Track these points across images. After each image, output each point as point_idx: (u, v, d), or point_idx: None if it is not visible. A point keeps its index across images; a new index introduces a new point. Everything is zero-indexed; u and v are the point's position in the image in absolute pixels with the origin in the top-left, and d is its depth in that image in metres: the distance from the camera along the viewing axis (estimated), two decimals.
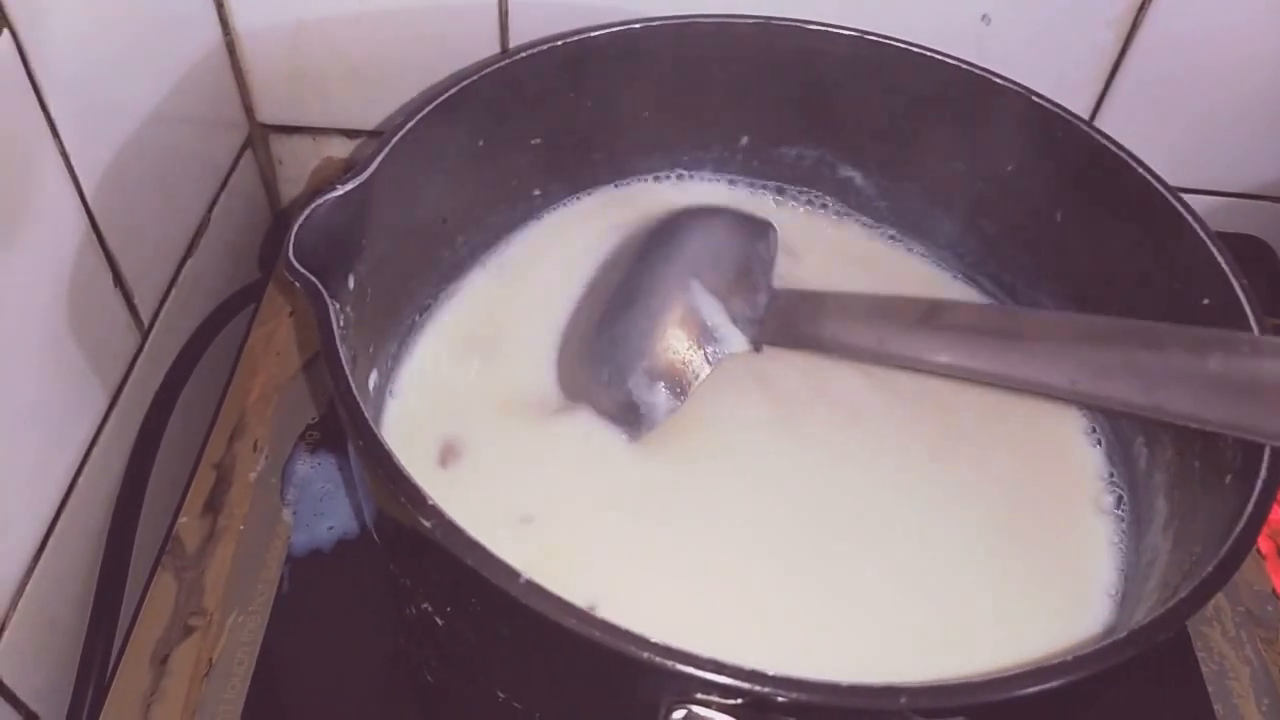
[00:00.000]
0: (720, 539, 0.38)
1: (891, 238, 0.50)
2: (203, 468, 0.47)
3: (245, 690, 0.40)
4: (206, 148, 0.56)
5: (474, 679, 0.33)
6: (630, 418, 0.41)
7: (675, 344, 0.41)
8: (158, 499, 0.48)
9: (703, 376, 0.41)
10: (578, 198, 0.50)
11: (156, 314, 0.50)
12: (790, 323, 0.42)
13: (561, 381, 0.43)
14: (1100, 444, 0.43)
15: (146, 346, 0.49)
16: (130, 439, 0.48)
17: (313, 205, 0.35)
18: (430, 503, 0.28)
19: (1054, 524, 0.41)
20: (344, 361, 0.32)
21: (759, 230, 0.44)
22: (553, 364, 0.44)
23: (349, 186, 0.36)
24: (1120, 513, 0.41)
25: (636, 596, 0.36)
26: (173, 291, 0.51)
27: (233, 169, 0.58)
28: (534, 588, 0.27)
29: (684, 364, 0.41)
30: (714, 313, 0.41)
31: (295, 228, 0.35)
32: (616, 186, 0.50)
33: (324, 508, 0.45)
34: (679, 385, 0.41)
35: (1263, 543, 0.47)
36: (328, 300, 0.33)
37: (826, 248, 0.49)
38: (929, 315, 0.38)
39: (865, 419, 0.42)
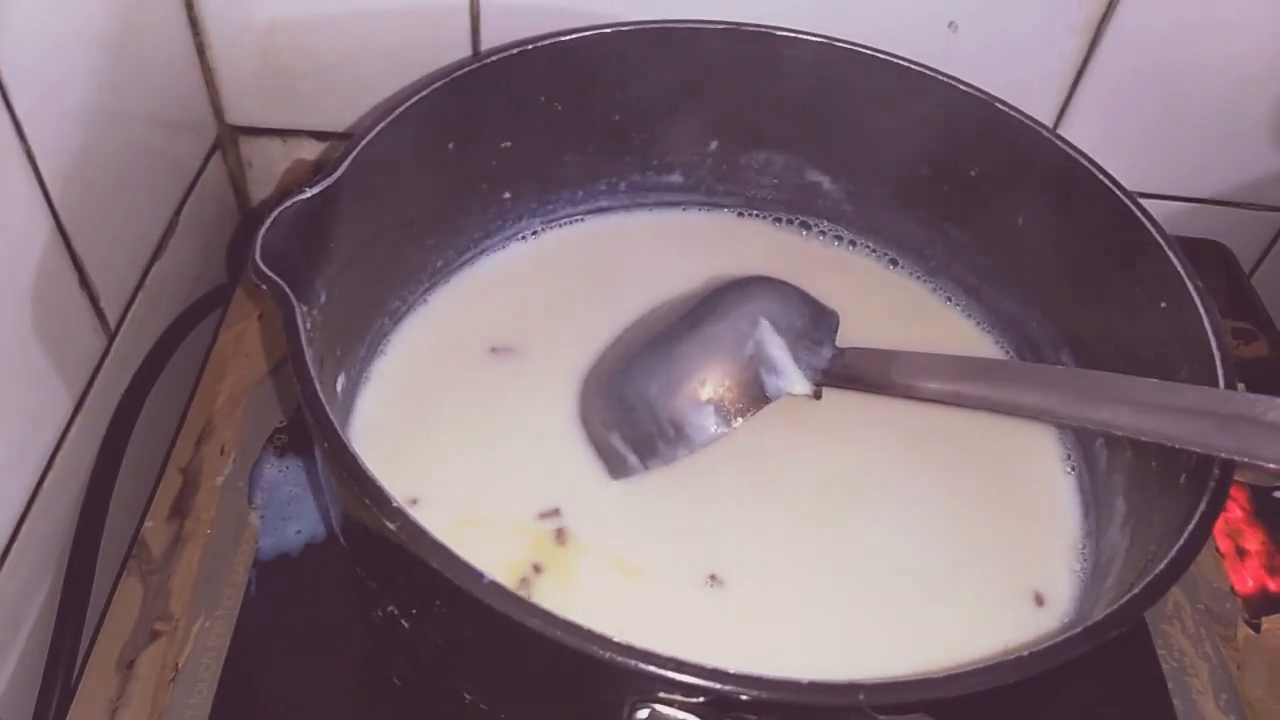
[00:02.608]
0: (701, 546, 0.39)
1: (852, 243, 0.51)
2: (169, 471, 0.46)
3: (212, 696, 0.39)
4: (175, 149, 0.56)
5: (441, 681, 0.33)
6: (655, 443, 0.40)
7: (738, 370, 0.40)
8: (123, 503, 0.47)
9: (755, 411, 0.40)
10: (560, 224, 0.50)
11: (123, 316, 0.50)
12: (856, 374, 0.41)
13: (585, 397, 0.43)
14: (1069, 459, 0.44)
15: (113, 349, 0.49)
16: (96, 442, 0.47)
17: (279, 209, 0.35)
18: (394, 505, 0.28)
19: (1019, 523, 0.42)
20: (310, 364, 0.32)
21: (823, 307, 0.44)
22: (528, 374, 0.44)
23: (316, 190, 0.36)
24: (1082, 511, 0.42)
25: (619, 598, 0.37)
26: (140, 294, 0.51)
27: (201, 170, 0.58)
28: (497, 589, 0.27)
29: (742, 392, 0.40)
30: (780, 350, 0.41)
31: (262, 231, 0.35)
32: (596, 215, 0.51)
33: (291, 511, 0.45)
34: (729, 412, 0.40)
35: (1221, 541, 0.48)
36: (294, 303, 0.33)
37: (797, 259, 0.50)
38: (996, 371, 0.41)
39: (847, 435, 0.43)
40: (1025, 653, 0.27)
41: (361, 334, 0.43)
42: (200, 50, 0.56)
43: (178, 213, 0.55)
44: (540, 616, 0.26)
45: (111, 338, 0.49)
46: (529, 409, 0.44)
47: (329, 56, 0.56)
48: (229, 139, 0.60)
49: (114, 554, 0.46)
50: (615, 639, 0.26)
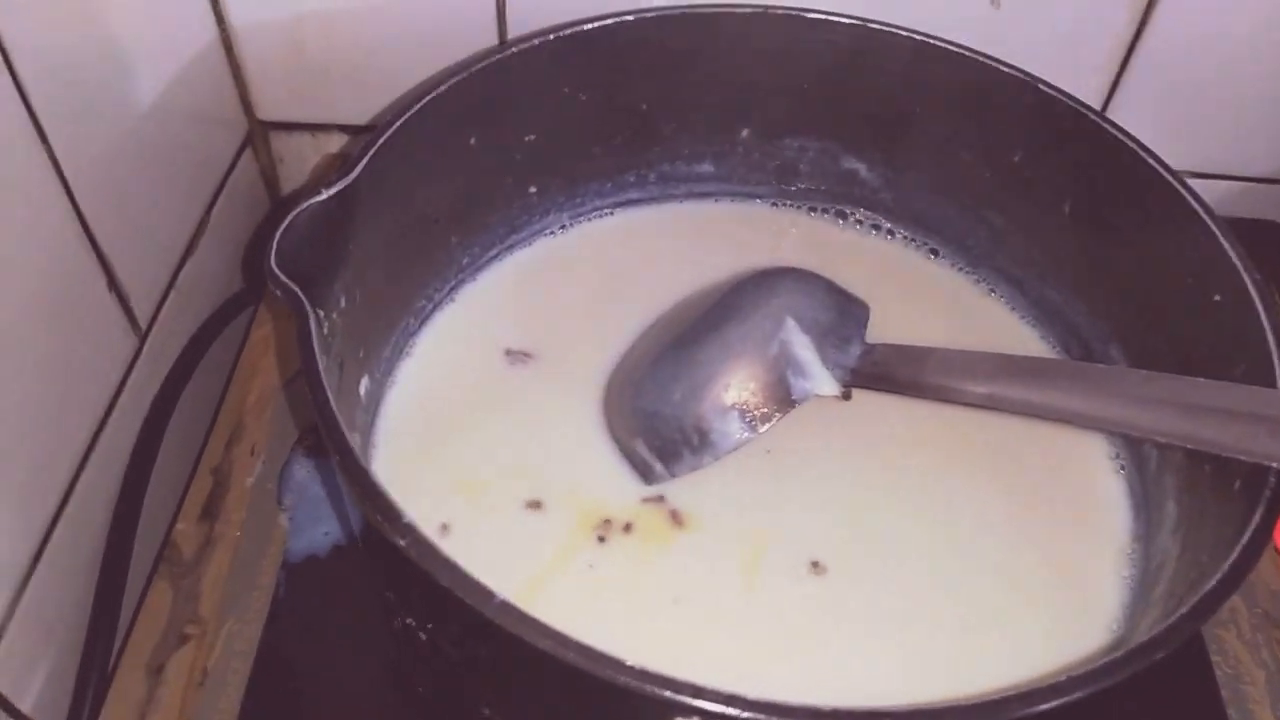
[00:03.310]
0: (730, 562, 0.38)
1: (890, 233, 0.49)
2: (200, 473, 0.46)
3: (240, 699, 0.40)
4: (204, 146, 0.56)
5: (459, 695, 0.33)
6: (681, 450, 0.39)
7: (763, 373, 0.39)
8: (154, 505, 0.47)
9: (783, 415, 0.39)
10: (589, 218, 0.49)
11: (154, 317, 0.50)
12: (888, 374, 0.40)
13: (608, 402, 0.42)
14: (1119, 457, 0.42)
15: (144, 350, 0.49)
16: (128, 445, 0.47)
17: (295, 211, 0.35)
18: (405, 520, 0.27)
19: (1066, 526, 0.40)
20: (323, 374, 0.31)
21: (852, 298, 0.43)
22: (556, 377, 0.44)
23: (332, 191, 0.36)
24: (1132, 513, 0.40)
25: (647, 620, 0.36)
26: (171, 294, 0.51)
27: (232, 168, 0.58)
28: (508, 608, 0.26)
29: (768, 396, 0.39)
30: (807, 350, 0.39)
31: (277, 235, 0.34)
32: (625, 208, 0.50)
33: (321, 513, 0.45)
34: (755, 417, 0.39)
35: (1279, 540, 0.46)
36: (309, 310, 0.33)
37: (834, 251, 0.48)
38: (1037, 370, 0.38)
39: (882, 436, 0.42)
40: (1064, 677, 0.26)
41: (386, 335, 0.43)
42: (227, 45, 0.56)
43: (209, 211, 0.55)
44: (553, 638, 0.25)
45: (143, 339, 0.49)
46: (552, 410, 0.43)
47: (355, 49, 0.56)
48: (260, 135, 0.60)
49: (145, 556, 0.46)
50: (628, 663, 0.25)
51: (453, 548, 0.27)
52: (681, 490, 0.40)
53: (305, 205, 0.35)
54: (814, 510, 0.40)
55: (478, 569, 0.26)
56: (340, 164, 0.59)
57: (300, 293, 0.33)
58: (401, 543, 0.27)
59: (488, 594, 0.26)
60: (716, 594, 0.37)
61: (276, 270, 0.33)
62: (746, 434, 0.38)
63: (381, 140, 0.38)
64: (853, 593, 0.37)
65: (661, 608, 0.37)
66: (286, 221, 0.34)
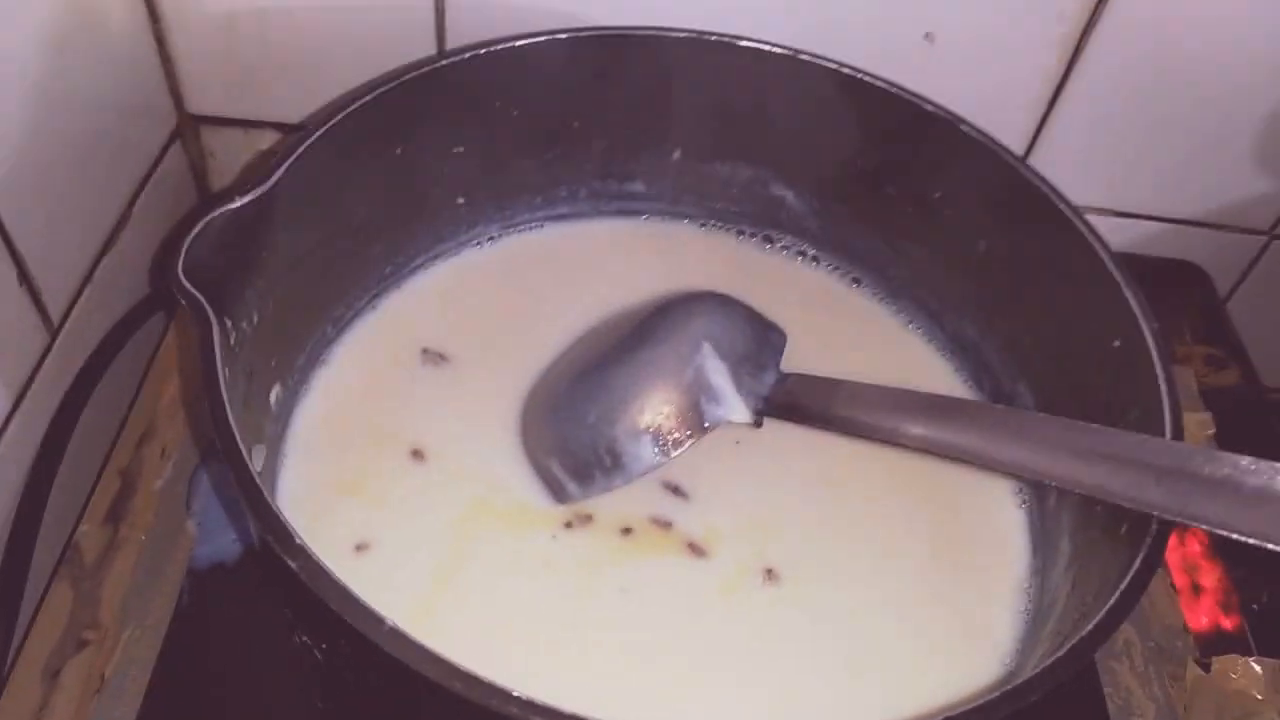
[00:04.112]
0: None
1: (815, 260, 0.50)
2: (108, 473, 0.46)
3: (137, 708, 0.39)
4: (130, 138, 0.54)
5: (355, 713, 0.33)
6: (593, 472, 0.39)
7: (677, 397, 0.39)
8: (59, 505, 0.46)
9: (695, 440, 0.39)
10: (519, 230, 0.49)
11: (68, 313, 0.49)
12: (799, 403, 0.40)
13: (525, 419, 0.42)
14: (1021, 491, 0.43)
15: (55, 346, 0.48)
16: (34, 443, 0.46)
17: (207, 218, 0.34)
18: (297, 542, 0.27)
19: (967, 557, 0.41)
20: (224, 388, 0.31)
21: (770, 325, 0.43)
22: (472, 383, 0.43)
23: (247, 199, 0.35)
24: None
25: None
26: (87, 289, 0.50)
27: (159, 160, 0.57)
28: (398, 635, 0.26)
29: (681, 421, 0.39)
30: (721, 376, 0.40)
31: (186, 242, 0.34)
32: (555, 222, 0.50)
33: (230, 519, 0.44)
34: (667, 441, 0.39)
35: (1177, 576, 0.47)
36: (214, 320, 0.32)
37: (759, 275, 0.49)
38: (939, 409, 0.38)
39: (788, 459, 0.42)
40: (955, 712, 0.26)
41: (301, 343, 0.42)
42: (159, 37, 0.54)
43: (131, 204, 0.54)
44: (439, 666, 0.25)
45: (54, 334, 0.48)
46: (471, 422, 0.43)
47: (291, 48, 0.55)
48: (189, 128, 0.59)
49: (47, 558, 0.45)
50: (515, 693, 0.25)
51: (362, 561, 0.26)
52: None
53: (218, 212, 0.34)
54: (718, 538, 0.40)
55: (386, 581, 0.26)
56: (260, 168, 0.58)
57: (206, 303, 0.32)
58: (293, 564, 0.27)
59: (378, 620, 0.26)
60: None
61: (183, 279, 0.33)
62: (659, 458, 0.39)
63: (302, 148, 0.37)
64: (743, 625, 0.38)
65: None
66: (197, 228, 0.34)
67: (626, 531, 0.39)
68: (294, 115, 0.59)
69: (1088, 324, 0.39)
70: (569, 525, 0.39)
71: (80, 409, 0.48)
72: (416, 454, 0.42)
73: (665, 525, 0.40)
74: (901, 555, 0.40)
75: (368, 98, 0.40)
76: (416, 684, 0.26)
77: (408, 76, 0.41)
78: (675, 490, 0.41)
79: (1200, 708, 0.42)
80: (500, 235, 0.50)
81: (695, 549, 0.39)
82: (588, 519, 0.40)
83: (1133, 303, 0.37)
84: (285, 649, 0.41)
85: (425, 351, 0.45)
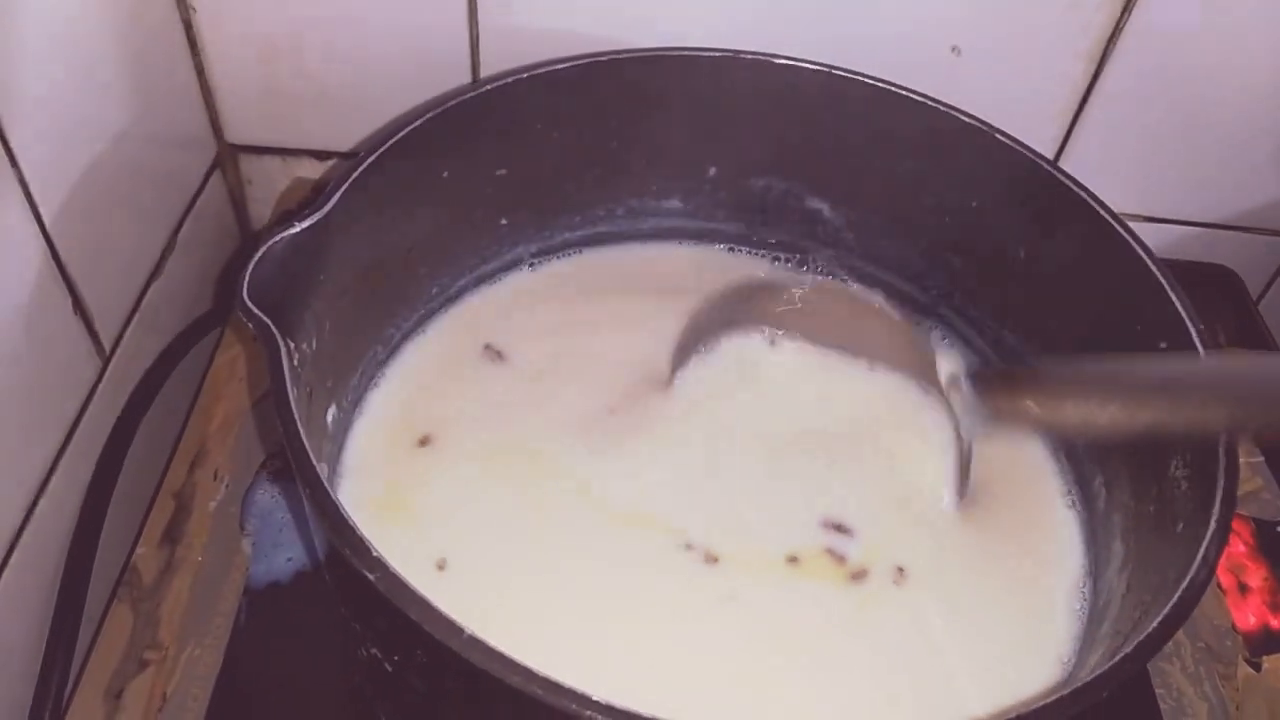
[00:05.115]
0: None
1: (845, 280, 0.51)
2: (162, 496, 0.46)
3: None
4: (173, 168, 0.56)
5: None
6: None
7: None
8: (115, 528, 0.47)
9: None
10: (557, 257, 0.50)
11: (119, 339, 0.50)
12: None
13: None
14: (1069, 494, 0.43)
15: (108, 372, 0.49)
16: (89, 467, 0.47)
17: (267, 244, 0.35)
18: (375, 554, 0.28)
19: (1023, 558, 0.41)
20: (294, 405, 0.31)
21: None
22: (515, 406, 0.44)
23: (306, 224, 0.36)
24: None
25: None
26: (136, 316, 0.51)
27: (201, 189, 0.58)
28: (477, 643, 0.26)
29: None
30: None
31: (249, 267, 0.34)
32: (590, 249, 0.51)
33: (283, 539, 0.45)
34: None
35: (1223, 576, 0.47)
36: (280, 343, 0.33)
37: None
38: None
39: None
40: (1012, 716, 0.27)
41: (354, 364, 0.43)
42: (199, 69, 0.56)
43: (176, 232, 0.55)
44: (521, 673, 0.26)
45: (107, 361, 0.49)
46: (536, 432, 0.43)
47: (329, 77, 0.56)
48: (229, 157, 0.60)
49: (105, 580, 0.46)
50: (595, 698, 0.26)
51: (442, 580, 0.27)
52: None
53: (278, 237, 0.35)
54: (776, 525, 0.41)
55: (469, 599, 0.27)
56: (313, 194, 0.60)
57: (272, 324, 0.33)
58: (371, 576, 0.27)
59: (457, 628, 0.27)
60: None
61: (248, 302, 0.33)
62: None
63: (356, 174, 0.38)
64: (791, 619, 0.38)
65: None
66: (259, 253, 0.34)
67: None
68: (330, 142, 0.60)
69: (1131, 327, 0.39)
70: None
71: (133, 433, 0.49)
72: (470, 478, 0.42)
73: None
74: (957, 555, 0.40)
75: (417, 123, 0.40)
76: (494, 690, 0.27)
77: (454, 101, 0.42)
78: None
79: (1253, 706, 0.43)
80: (539, 263, 0.50)
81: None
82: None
83: (1178, 305, 0.37)
84: (344, 664, 0.41)
85: (487, 347, 0.46)
